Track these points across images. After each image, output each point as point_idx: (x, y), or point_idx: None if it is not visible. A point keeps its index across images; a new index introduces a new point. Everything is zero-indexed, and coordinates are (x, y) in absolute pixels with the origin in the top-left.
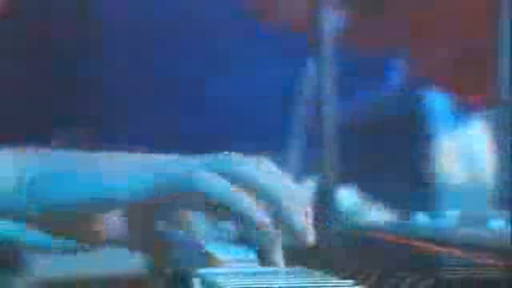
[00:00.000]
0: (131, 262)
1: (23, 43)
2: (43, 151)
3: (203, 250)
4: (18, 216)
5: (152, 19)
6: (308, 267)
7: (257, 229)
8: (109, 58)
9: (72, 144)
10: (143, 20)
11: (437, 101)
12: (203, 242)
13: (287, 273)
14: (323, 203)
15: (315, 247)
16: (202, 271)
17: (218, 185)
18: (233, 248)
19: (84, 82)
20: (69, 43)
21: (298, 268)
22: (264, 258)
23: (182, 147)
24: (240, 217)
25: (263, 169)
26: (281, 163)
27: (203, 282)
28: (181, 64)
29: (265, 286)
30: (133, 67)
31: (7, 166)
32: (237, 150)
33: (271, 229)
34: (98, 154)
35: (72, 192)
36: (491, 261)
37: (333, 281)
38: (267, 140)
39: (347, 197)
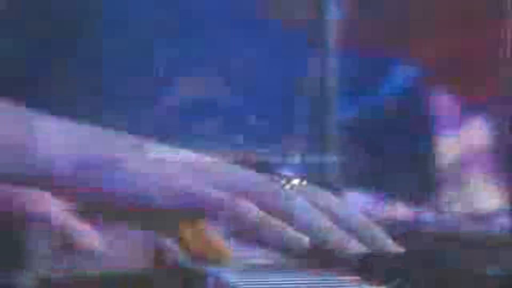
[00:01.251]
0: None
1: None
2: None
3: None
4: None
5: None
6: None
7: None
8: None
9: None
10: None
11: (441, 100)
12: None
13: (298, 271)
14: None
15: None
16: (214, 269)
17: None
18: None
19: None
20: None
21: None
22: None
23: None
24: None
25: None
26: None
27: (215, 281)
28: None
29: (277, 284)
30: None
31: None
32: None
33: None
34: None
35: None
36: (492, 258)
37: (342, 278)
38: (267, 140)
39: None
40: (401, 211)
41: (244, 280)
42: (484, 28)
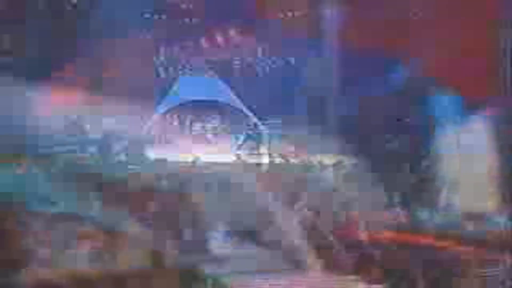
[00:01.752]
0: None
1: None
2: None
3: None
4: None
5: None
6: None
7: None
8: None
9: None
10: None
11: (441, 100)
12: None
13: (291, 272)
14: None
15: None
16: (211, 270)
17: None
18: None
19: None
20: None
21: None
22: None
23: None
24: None
25: None
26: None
27: (212, 281)
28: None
29: (276, 284)
30: None
31: None
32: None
33: None
34: None
35: None
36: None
37: (340, 278)
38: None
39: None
40: (400, 210)
41: (243, 280)
42: (484, 28)
